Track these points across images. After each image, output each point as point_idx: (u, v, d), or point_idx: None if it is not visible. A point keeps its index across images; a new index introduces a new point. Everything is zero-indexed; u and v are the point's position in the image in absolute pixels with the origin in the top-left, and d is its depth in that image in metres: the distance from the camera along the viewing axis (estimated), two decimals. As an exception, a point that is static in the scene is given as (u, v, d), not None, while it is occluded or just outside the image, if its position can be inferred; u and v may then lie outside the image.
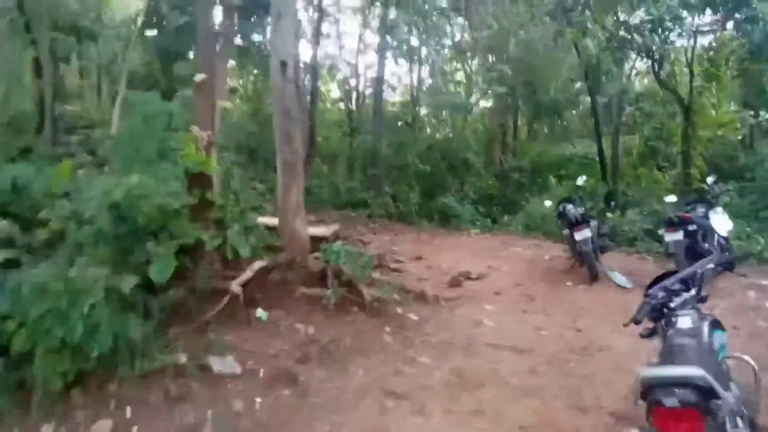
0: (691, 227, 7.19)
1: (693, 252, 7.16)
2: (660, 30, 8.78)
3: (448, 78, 23.45)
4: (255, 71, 20.67)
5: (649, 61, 10.60)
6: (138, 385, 3.52)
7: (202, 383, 3.72)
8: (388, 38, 16.26)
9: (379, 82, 15.89)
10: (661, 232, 7.64)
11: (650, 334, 3.07)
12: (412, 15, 14.60)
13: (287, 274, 5.54)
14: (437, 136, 18.93)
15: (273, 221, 9.02)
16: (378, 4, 14.96)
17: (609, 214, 12.13)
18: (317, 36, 17.89)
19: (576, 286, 7.70)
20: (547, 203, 9.41)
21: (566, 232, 8.23)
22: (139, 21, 15.75)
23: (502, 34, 19.04)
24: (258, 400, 3.58)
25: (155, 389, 3.53)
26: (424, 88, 23.42)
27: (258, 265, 5.32)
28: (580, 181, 9.24)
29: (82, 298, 3.16)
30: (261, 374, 3.96)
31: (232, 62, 18.15)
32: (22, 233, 4.32)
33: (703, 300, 3.10)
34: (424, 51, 22.62)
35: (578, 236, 7.75)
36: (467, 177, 16.16)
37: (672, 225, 7.28)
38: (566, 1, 9.09)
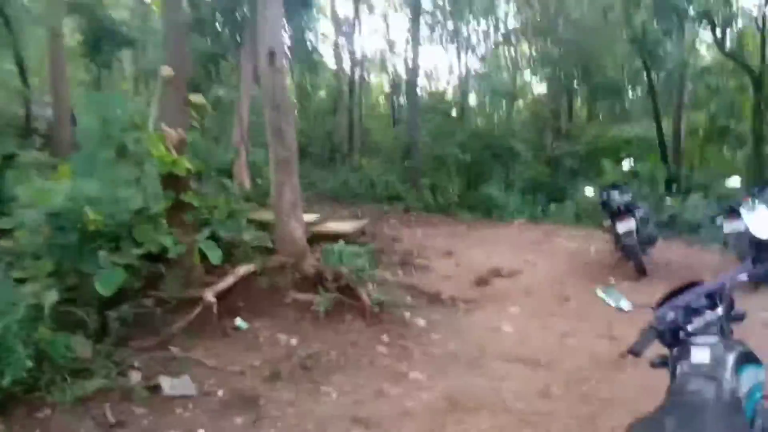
0: (756, 214, 6.15)
1: (758, 246, 6.13)
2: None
3: (495, 63, 22.44)
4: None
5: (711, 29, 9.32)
6: (73, 411, 3.16)
7: (149, 408, 3.32)
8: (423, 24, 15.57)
9: (413, 70, 15.20)
10: (719, 222, 6.59)
11: (663, 363, 2.34)
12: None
13: (278, 278, 5.10)
14: (481, 124, 18.01)
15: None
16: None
17: (668, 200, 10.98)
18: (354, 28, 17.48)
19: (620, 283, 6.78)
20: (589, 190, 8.49)
21: (608, 222, 7.34)
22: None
23: (549, 15, 17.94)
24: (201, 431, 3.13)
25: (90, 416, 3.16)
26: (472, 75, 22.66)
27: (244, 269, 4.90)
28: (626, 165, 8.27)
29: (-6, 318, 2.83)
30: (218, 396, 3.52)
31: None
32: (-14, 244, 4.07)
33: (738, 318, 2.32)
34: (472, 38, 21.94)
35: (621, 227, 6.86)
36: (513, 165, 15.20)
37: (732, 212, 6.26)
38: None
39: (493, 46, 22.35)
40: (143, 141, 4.22)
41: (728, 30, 9.42)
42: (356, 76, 17.13)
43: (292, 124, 5.63)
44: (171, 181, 4.52)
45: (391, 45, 22.83)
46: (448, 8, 19.97)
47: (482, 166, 14.67)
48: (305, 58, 19.78)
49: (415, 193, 13.12)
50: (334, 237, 8.52)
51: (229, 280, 4.70)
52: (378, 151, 17.61)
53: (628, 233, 6.78)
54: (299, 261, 5.36)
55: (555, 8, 16.79)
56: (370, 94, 24.22)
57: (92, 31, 14.06)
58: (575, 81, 20.92)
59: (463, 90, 22.49)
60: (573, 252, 8.85)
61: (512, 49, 22.03)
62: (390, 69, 23.58)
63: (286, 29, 18.49)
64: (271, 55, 5.37)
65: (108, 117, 4.05)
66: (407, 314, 5.40)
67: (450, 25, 20.39)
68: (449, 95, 21.60)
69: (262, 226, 7.93)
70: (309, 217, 9.36)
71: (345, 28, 19.26)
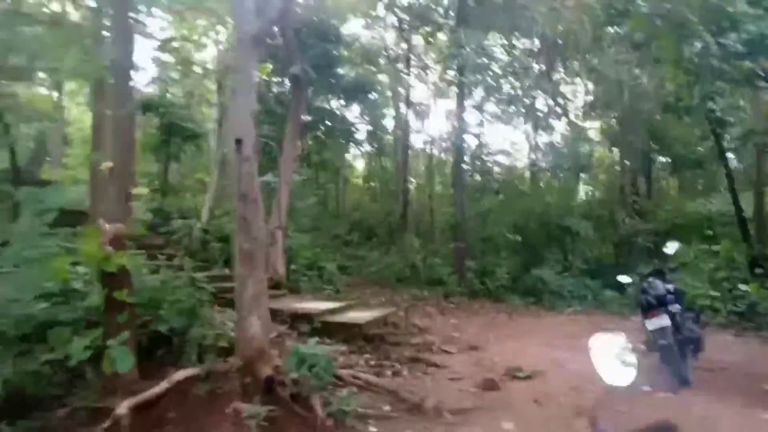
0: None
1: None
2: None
3: (568, 139, 21.66)
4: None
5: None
6: None
7: None
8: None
9: (458, 148, 14.86)
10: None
11: None
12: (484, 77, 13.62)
13: (223, 384, 4.66)
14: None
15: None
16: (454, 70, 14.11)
17: (743, 287, 9.42)
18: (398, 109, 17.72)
19: (654, 394, 5.64)
20: (625, 278, 7.39)
21: (641, 318, 6.26)
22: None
23: (613, 87, 17.17)
24: None
25: None
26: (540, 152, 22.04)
27: (181, 374, 4.52)
28: (671, 248, 7.13)
29: None
30: None
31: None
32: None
33: None
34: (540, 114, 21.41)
35: (651, 325, 5.79)
36: (573, 245, 14.03)
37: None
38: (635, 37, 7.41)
39: (560, 120, 21.69)
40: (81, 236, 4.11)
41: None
42: (404, 157, 16.96)
43: (259, 215, 5.37)
44: (108, 279, 4.36)
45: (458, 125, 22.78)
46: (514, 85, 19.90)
47: (538, 248, 13.67)
48: (374, 140, 20.38)
49: (458, 277, 12.35)
50: (347, 328, 8.09)
51: (161, 387, 4.33)
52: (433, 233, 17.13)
53: (662, 332, 5.68)
54: (255, 363, 4.90)
55: (618, 80, 16.00)
56: (434, 174, 24.10)
57: (164, 127, 15.27)
58: (650, 153, 19.62)
59: (531, 167, 21.85)
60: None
61: (579, 122, 21.34)
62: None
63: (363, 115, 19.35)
64: (238, 142, 5.25)
65: (45, 212, 3.99)
66: (373, 430, 4.72)
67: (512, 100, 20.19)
68: (516, 173, 20.99)
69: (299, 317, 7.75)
70: (326, 306, 8.99)
71: (403, 111, 19.60)
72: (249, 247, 5.23)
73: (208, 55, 18.80)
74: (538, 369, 6.79)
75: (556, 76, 20.03)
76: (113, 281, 4.36)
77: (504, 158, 23.22)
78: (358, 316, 8.66)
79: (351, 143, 20.40)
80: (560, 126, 22.14)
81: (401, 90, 18.56)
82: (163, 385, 4.35)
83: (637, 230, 15.51)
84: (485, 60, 12.83)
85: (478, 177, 17.43)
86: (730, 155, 14.82)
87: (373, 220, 18.52)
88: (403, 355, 7.52)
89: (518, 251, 13.58)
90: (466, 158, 21.96)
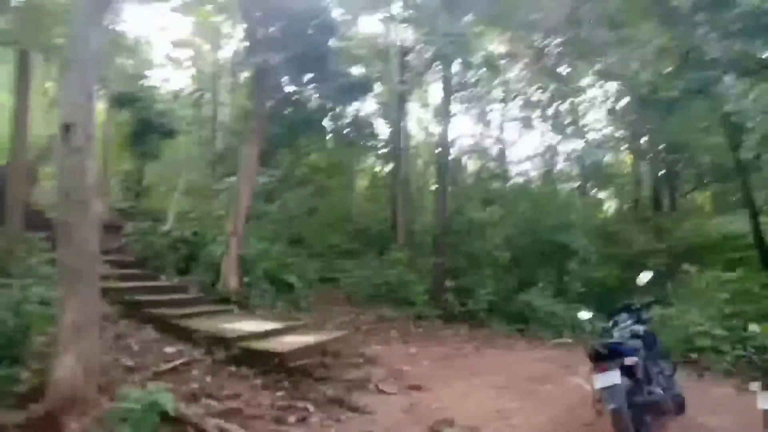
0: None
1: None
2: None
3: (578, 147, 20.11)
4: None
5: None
6: None
7: None
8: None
9: (442, 152, 13.55)
10: (753, 388, 4.02)
11: None
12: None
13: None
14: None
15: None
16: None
17: (754, 327, 7.85)
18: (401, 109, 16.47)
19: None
20: (584, 315, 6.05)
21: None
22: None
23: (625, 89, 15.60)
24: None
25: None
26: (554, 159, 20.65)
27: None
28: (643, 278, 5.79)
29: None
30: None
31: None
32: None
33: None
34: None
35: (598, 382, 4.44)
36: (571, 266, 12.53)
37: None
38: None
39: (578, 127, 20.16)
40: None
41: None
42: (398, 163, 15.74)
43: (88, 221, 4.25)
44: None
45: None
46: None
47: (530, 267, 12.25)
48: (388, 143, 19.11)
49: (432, 297, 11.06)
50: (268, 357, 6.91)
51: None
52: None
53: (611, 392, 4.34)
54: (62, 415, 3.81)
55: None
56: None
57: (139, 124, 14.49)
58: (674, 163, 17.90)
59: (546, 173, 20.45)
60: (580, 401, 6.22)
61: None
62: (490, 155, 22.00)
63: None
64: (66, 128, 4.17)
65: None
66: None
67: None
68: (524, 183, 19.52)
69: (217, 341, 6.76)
70: (258, 327, 7.84)
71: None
72: (71, 261, 4.15)
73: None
74: (474, 424, 5.49)
75: (578, 82, 18.58)
76: None
77: (524, 167, 21.93)
78: (289, 341, 7.48)
79: (364, 146, 19.27)
80: (581, 134, 20.75)
81: (402, 87, 17.30)
82: None
83: (649, 251, 13.90)
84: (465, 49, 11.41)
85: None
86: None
87: (375, 229, 17.39)
88: (324, 395, 6.31)
89: (509, 270, 12.19)
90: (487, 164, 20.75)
